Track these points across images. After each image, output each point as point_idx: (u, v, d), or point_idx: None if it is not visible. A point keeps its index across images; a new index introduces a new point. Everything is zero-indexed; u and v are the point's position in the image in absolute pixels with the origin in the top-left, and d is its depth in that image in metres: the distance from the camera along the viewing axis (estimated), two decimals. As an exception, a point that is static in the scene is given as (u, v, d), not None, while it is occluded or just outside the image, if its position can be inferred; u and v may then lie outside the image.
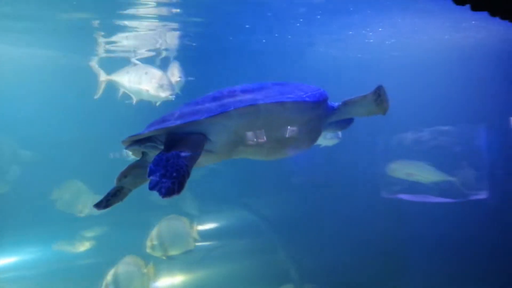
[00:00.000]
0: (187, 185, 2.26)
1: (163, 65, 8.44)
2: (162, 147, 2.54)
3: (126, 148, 2.68)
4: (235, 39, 8.95)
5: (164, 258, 6.76)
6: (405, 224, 8.87)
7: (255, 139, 2.65)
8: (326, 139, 7.04)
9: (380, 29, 8.57)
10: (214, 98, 2.59)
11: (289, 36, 8.88)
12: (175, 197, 2.18)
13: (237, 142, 2.64)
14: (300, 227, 9.41)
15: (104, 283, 5.96)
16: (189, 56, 9.60)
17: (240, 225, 9.81)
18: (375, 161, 9.18)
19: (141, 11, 6.52)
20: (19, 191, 9.44)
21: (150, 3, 6.18)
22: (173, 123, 2.46)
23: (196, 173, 2.70)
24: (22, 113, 9.88)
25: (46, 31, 7.75)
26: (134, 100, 7.30)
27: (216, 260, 8.72)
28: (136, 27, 7.41)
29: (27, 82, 10.07)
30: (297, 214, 9.79)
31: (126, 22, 7.12)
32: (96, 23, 7.24)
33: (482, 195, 9.09)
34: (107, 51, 9.03)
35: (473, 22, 7.99)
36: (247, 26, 7.98)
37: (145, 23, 7.23)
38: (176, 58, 9.42)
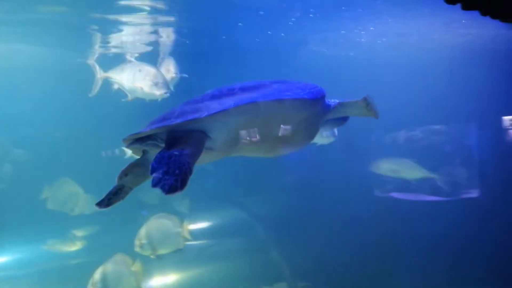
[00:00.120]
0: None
1: (157, 60, 8.40)
2: (163, 145, 2.56)
3: (127, 146, 2.71)
4: (228, 38, 8.94)
5: (153, 257, 6.73)
6: (398, 222, 8.92)
7: (254, 136, 2.69)
8: (322, 138, 7.05)
9: (371, 28, 8.61)
10: (214, 96, 2.61)
11: (282, 34, 8.89)
12: (178, 193, 2.20)
13: (237, 140, 2.68)
14: (293, 226, 9.44)
15: (91, 281, 5.92)
16: (183, 53, 9.57)
17: (233, 224, 9.81)
18: (367, 159, 9.22)
19: (135, 2, 6.48)
20: (11, 189, 9.36)
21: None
22: (173, 121, 2.47)
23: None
24: (13, 111, 9.79)
25: (37, 27, 7.66)
26: (129, 98, 7.25)
27: (209, 259, 8.72)
28: (131, 22, 7.33)
29: (18, 80, 9.98)
30: (290, 213, 9.81)
31: (121, 17, 7.04)
32: (90, 17, 7.15)
33: (474, 193, 9.18)
34: (102, 47, 8.95)
35: (464, 21, 8.04)
36: (240, 24, 7.98)
37: (139, 18, 7.17)
38: (171, 54, 9.38)
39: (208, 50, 9.91)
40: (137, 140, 2.65)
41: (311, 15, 7.47)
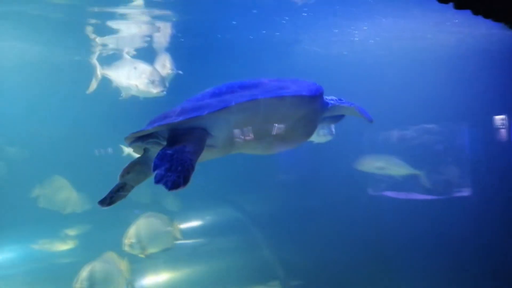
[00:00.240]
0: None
1: (153, 58, 8.32)
2: (164, 143, 2.58)
3: (129, 144, 2.73)
4: (222, 36, 8.92)
5: (142, 256, 6.69)
6: (391, 221, 8.96)
7: (255, 133, 2.73)
8: (319, 136, 7.02)
9: (364, 28, 8.63)
10: (214, 94, 2.65)
11: (278, 33, 8.89)
12: (181, 189, 2.21)
13: (238, 137, 2.72)
14: (286, 224, 9.45)
15: (77, 279, 5.87)
16: (178, 50, 9.52)
17: (226, 223, 9.80)
18: (360, 158, 9.25)
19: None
20: (3, 188, 9.27)
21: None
22: (175, 119, 2.50)
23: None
24: (6, 109, 9.70)
25: (29, 22, 7.56)
26: (124, 95, 7.18)
27: (202, 258, 8.70)
28: (126, 14, 7.23)
29: (11, 78, 9.89)
30: (283, 211, 9.83)
31: (117, 9, 6.94)
32: (86, 11, 7.05)
33: (466, 192, 9.25)
34: (97, 42, 8.85)
35: (456, 21, 8.08)
36: (234, 22, 7.96)
37: (135, 11, 7.08)
38: (166, 51, 9.32)
39: (203, 47, 9.88)
40: (139, 138, 2.67)
41: (304, 14, 7.48)
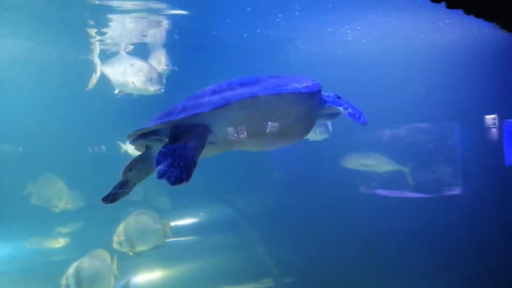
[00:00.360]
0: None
1: (148, 54, 8.26)
2: (166, 140, 2.62)
3: (132, 142, 2.77)
4: (216, 33, 8.90)
5: (131, 254, 6.66)
6: (384, 218, 9.02)
7: (255, 130, 2.78)
8: (316, 134, 7.03)
9: (358, 27, 8.66)
10: (215, 92, 2.69)
11: (271, 32, 8.89)
12: (183, 185, 2.25)
13: (238, 133, 2.77)
14: (279, 222, 9.47)
15: (65, 276, 5.83)
16: (173, 47, 9.47)
17: (219, 220, 9.80)
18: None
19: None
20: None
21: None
22: (177, 116, 2.54)
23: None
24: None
25: (23, 17, 7.48)
26: (116, 91, 7.08)
27: (195, 255, 8.70)
28: (121, 7, 7.15)
29: (4, 75, 9.80)
30: (276, 209, 9.84)
31: (111, 3, 6.87)
32: (81, 4, 6.99)
33: (457, 190, 9.33)
34: (94, 41, 8.78)
35: (448, 20, 8.14)
36: (227, 20, 7.95)
37: (130, 4, 7.00)
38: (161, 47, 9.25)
39: (197, 45, 9.85)
40: (141, 136, 2.71)
41: (297, 12, 7.49)
